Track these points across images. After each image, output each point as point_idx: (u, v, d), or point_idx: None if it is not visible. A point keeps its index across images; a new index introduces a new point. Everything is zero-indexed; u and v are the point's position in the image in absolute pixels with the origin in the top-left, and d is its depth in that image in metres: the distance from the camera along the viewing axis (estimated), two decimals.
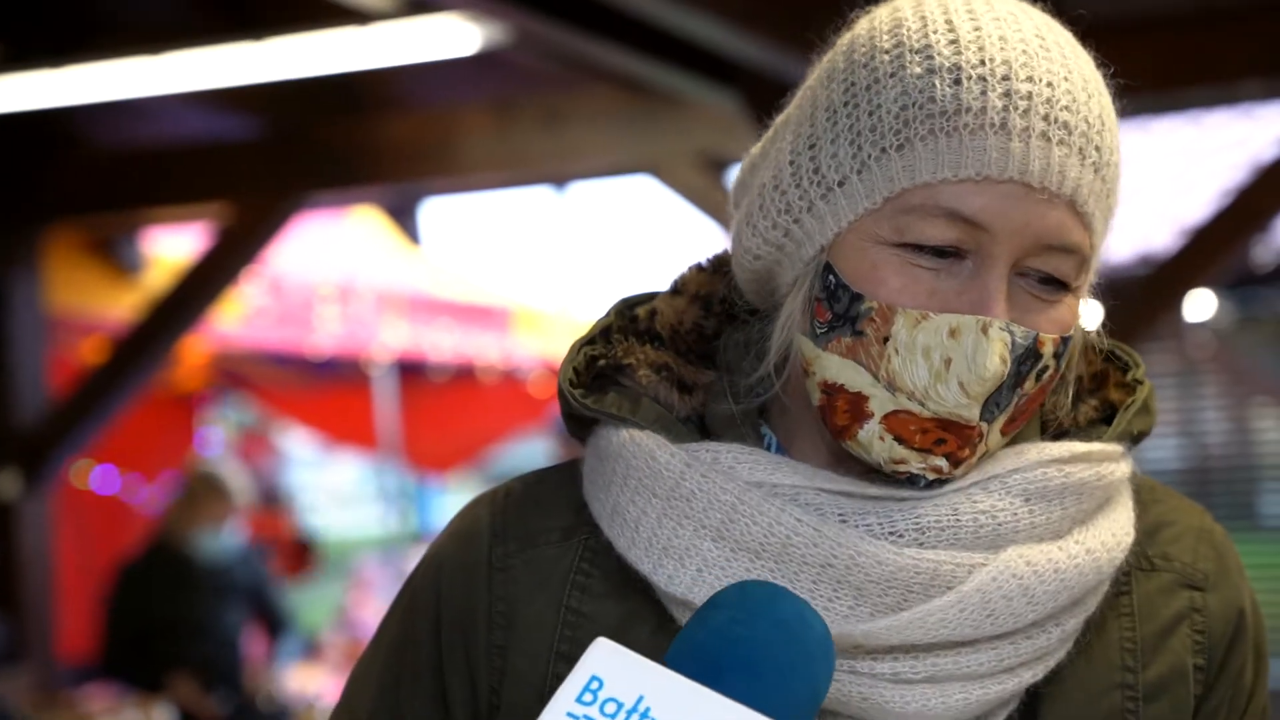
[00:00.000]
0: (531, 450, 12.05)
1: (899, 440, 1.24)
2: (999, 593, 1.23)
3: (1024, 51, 1.23)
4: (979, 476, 1.27)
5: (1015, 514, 1.26)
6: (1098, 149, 1.24)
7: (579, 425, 1.38)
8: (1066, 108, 1.22)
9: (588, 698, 1.05)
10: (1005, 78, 1.22)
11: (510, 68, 5.48)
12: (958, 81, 1.22)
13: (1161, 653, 1.35)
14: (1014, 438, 1.31)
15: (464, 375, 8.88)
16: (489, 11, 4.50)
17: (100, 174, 6.48)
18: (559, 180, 7.65)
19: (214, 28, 4.90)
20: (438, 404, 9.18)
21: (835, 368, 1.26)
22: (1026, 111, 1.21)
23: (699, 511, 1.27)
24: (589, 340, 1.40)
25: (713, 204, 6.02)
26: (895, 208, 1.23)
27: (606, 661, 1.06)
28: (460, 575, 1.39)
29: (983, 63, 1.22)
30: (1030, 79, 1.22)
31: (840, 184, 1.26)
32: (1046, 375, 1.26)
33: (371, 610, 8.99)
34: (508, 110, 6.00)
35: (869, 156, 1.24)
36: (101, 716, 5.61)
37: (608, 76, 5.42)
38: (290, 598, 7.68)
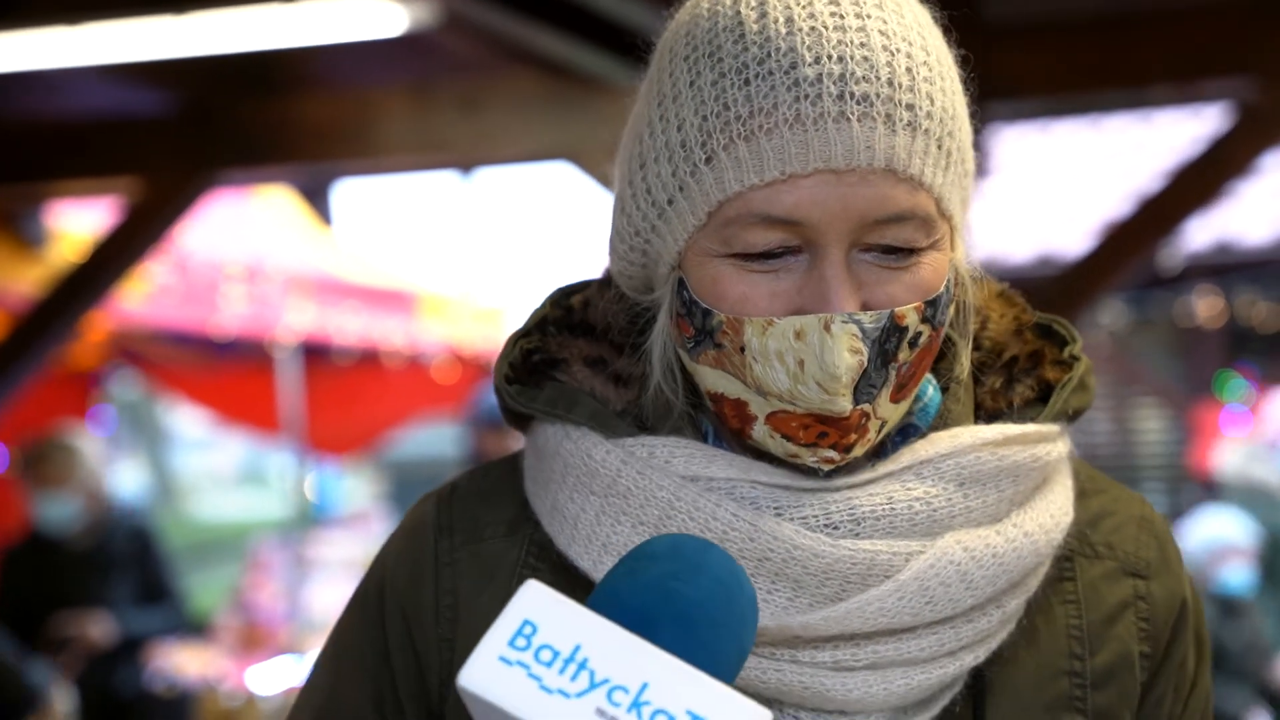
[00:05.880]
0: (434, 436, 11.99)
1: (786, 437, 1.26)
2: (937, 580, 1.25)
3: (810, 30, 1.21)
4: (911, 461, 1.28)
5: (950, 500, 1.27)
6: (909, 106, 1.21)
7: (517, 420, 1.40)
8: (862, 79, 1.20)
9: (521, 642, 1.03)
10: (792, 66, 1.20)
11: (429, 50, 5.44)
12: (746, 82, 1.21)
13: (1108, 640, 1.37)
14: (946, 419, 1.33)
15: (368, 359, 8.82)
16: None
17: (6, 146, 6.34)
18: (477, 165, 7.62)
19: (132, 1, 4.82)
20: (341, 387, 9.11)
21: (711, 378, 1.28)
22: (818, 98, 1.19)
23: (636, 508, 1.28)
24: (524, 333, 1.41)
25: None
26: (717, 221, 1.24)
27: (540, 605, 1.04)
28: (406, 569, 1.40)
29: (768, 55, 1.21)
30: (816, 60, 1.20)
31: (669, 203, 1.27)
32: (924, 339, 1.26)
33: (268, 593, 8.88)
34: (425, 93, 5.96)
35: (685, 174, 1.25)
36: None
37: (530, 61, 5.41)
38: (186, 579, 7.55)
